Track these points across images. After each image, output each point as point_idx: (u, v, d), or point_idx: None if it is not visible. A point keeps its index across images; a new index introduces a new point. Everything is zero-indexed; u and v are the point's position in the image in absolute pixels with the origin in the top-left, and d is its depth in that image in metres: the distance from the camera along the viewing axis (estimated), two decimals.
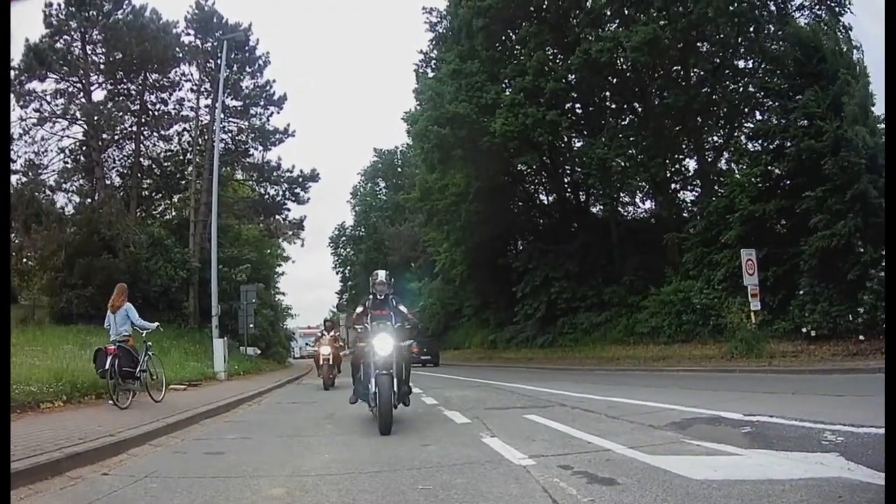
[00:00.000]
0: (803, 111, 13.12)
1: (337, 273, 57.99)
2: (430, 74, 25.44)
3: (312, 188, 25.62)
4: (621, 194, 23.48)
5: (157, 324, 8.07)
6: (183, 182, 24.66)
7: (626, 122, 22.87)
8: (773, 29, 17.80)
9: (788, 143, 13.63)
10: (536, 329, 23.34)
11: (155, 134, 23.95)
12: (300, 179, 25.30)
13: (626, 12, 19.58)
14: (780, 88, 14.74)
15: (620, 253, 21.65)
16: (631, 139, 20.54)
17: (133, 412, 6.59)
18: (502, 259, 26.49)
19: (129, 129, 22.62)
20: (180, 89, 23.34)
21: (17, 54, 18.59)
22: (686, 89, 19.25)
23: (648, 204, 25.06)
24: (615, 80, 21.74)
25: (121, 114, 21.30)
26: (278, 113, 24.91)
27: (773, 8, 17.98)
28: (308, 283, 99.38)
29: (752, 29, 18.39)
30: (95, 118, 20.25)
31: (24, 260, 20.64)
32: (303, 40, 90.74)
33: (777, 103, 14.94)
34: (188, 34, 22.83)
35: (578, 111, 23.60)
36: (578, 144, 23.55)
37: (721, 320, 14.50)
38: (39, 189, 19.78)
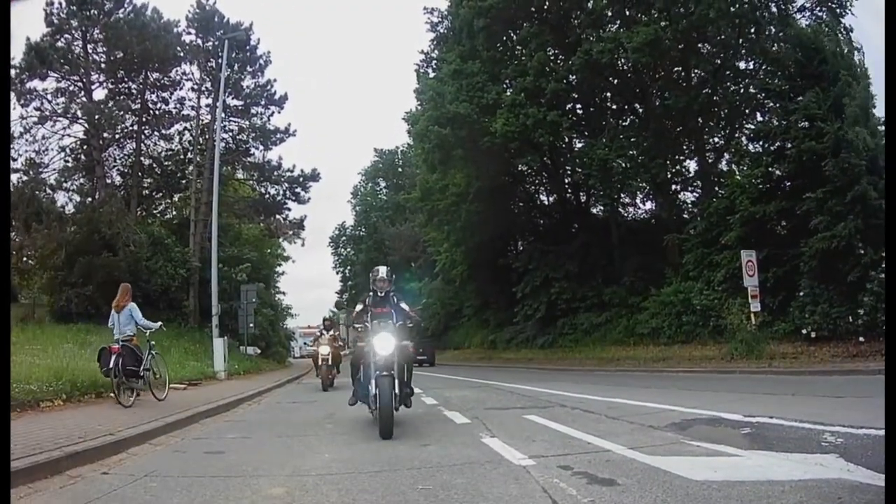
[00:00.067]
0: (804, 112, 13.13)
1: (337, 273, 58.07)
2: (431, 74, 25.42)
3: (313, 188, 25.64)
4: (622, 195, 23.45)
5: (160, 323, 8.17)
6: (183, 181, 24.64)
7: (626, 123, 22.90)
8: (774, 30, 17.83)
9: (789, 145, 13.64)
10: (536, 329, 23.34)
11: (156, 133, 23.95)
12: (301, 179, 25.29)
13: (628, 13, 19.59)
14: (781, 90, 14.76)
15: (621, 254, 21.66)
16: (632, 140, 20.55)
17: (133, 411, 6.61)
18: (502, 259, 26.51)
19: (130, 128, 22.62)
20: (181, 88, 23.36)
21: (18, 53, 18.63)
22: (687, 90, 19.26)
23: (649, 205, 25.13)
24: (616, 81, 21.75)
25: (122, 113, 21.29)
26: (279, 112, 24.93)
27: (774, 9, 18.01)
28: (308, 282, 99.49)
29: (753, 30, 18.41)
30: (96, 117, 20.24)
31: (25, 259, 20.61)
32: (304, 40, 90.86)
33: (778, 104, 14.97)
34: (189, 33, 22.85)
35: (579, 112, 23.62)
36: (579, 145, 23.57)
37: (721, 321, 14.51)
38: (40, 188, 19.77)
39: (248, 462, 4.14)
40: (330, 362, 11.60)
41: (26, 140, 19.91)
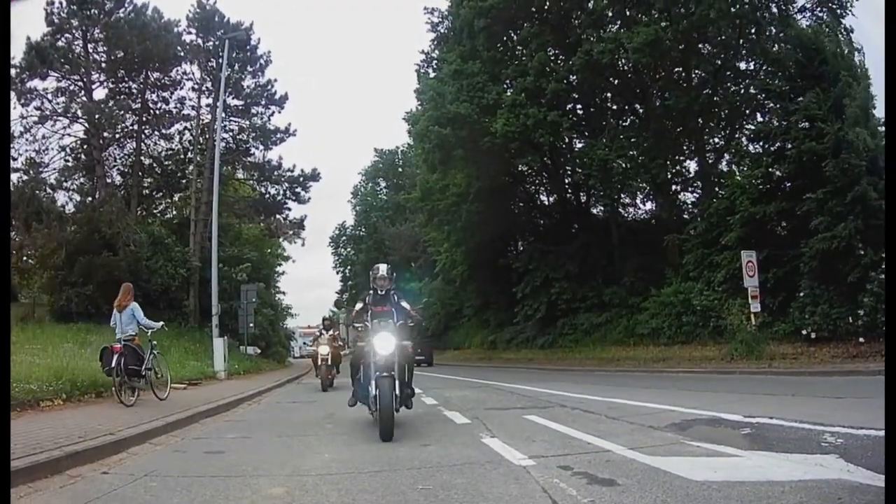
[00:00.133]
0: (804, 113, 13.12)
1: (337, 273, 58.04)
2: (432, 74, 25.42)
3: (313, 188, 25.64)
4: (622, 195, 23.45)
5: (161, 323, 8.18)
6: (184, 181, 24.64)
7: (627, 124, 22.89)
8: (774, 31, 17.82)
9: (789, 145, 13.63)
10: (536, 330, 23.33)
11: (156, 133, 23.93)
12: (301, 179, 25.30)
13: (628, 13, 19.59)
14: (782, 90, 14.77)
15: (621, 254, 21.66)
16: (632, 140, 20.54)
17: (134, 411, 6.61)
18: (503, 259, 26.51)
19: (130, 127, 22.62)
20: (181, 88, 23.35)
21: (18, 52, 18.63)
22: (687, 91, 19.26)
23: (649, 205, 25.12)
24: (616, 82, 21.75)
25: (122, 112, 21.28)
26: (279, 112, 24.93)
27: (774, 10, 18.00)
28: (308, 282, 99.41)
29: (753, 31, 18.41)
30: (96, 116, 20.23)
31: (25, 258, 20.61)
32: (304, 40, 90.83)
33: (778, 105, 14.96)
34: (189, 33, 22.85)
35: (580, 112, 23.61)
36: (579, 145, 23.56)
37: (721, 322, 14.50)
38: (40, 187, 19.78)
39: (248, 462, 4.14)
40: (329, 362, 11.56)
41: (26, 139, 19.95)
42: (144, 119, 22.87)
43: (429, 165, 24.62)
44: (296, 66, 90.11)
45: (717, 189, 19.61)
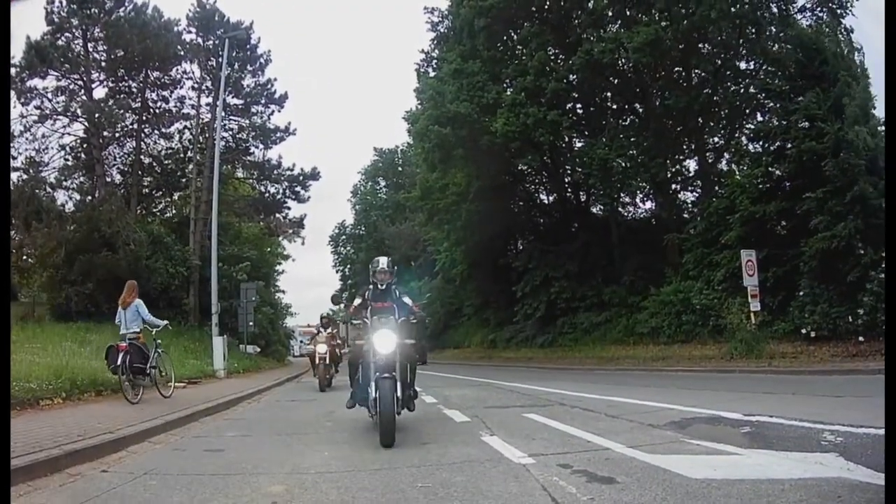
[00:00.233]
0: (804, 113, 13.13)
1: (337, 272, 57.94)
2: (432, 74, 25.40)
3: (313, 187, 25.70)
4: (622, 195, 23.43)
5: (166, 322, 8.20)
6: (183, 180, 24.63)
7: (627, 123, 22.86)
8: (774, 31, 17.81)
9: (789, 145, 13.64)
10: (536, 329, 23.33)
11: (156, 132, 23.93)
12: (301, 178, 25.31)
13: (628, 13, 19.56)
14: (782, 90, 14.77)
15: (620, 253, 21.65)
16: (632, 140, 20.53)
17: (134, 409, 6.61)
18: (502, 258, 26.49)
19: (130, 126, 22.60)
20: (181, 87, 23.35)
21: (18, 52, 18.61)
22: (687, 90, 19.25)
23: (649, 204, 25.04)
24: (616, 81, 21.73)
25: (122, 111, 21.26)
26: (279, 111, 24.94)
27: (774, 10, 18.00)
28: (308, 281, 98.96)
29: (753, 30, 18.39)
30: (96, 115, 20.22)
31: (25, 257, 20.61)
32: (304, 39, 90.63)
33: (778, 105, 14.97)
34: (190, 32, 22.86)
35: (579, 111, 23.58)
36: (579, 145, 23.54)
37: (721, 321, 14.50)
38: (40, 186, 19.77)
39: (248, 460, 4.14)
40: (328, 361, 11.36)
41: (26, 138, 19.95)
42: (144, 118, 22.86)
43: (429, 164, 24.59)
44: (295, 66, 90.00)
45: (716, 188, 19.59)
